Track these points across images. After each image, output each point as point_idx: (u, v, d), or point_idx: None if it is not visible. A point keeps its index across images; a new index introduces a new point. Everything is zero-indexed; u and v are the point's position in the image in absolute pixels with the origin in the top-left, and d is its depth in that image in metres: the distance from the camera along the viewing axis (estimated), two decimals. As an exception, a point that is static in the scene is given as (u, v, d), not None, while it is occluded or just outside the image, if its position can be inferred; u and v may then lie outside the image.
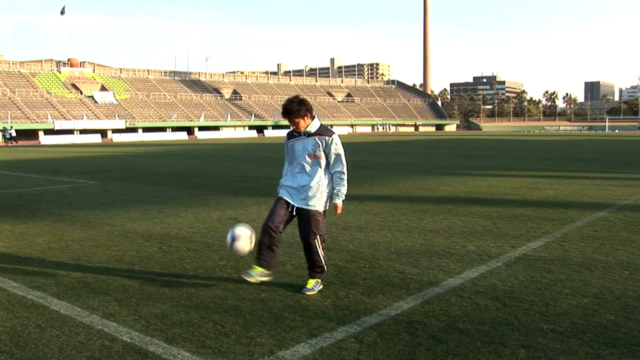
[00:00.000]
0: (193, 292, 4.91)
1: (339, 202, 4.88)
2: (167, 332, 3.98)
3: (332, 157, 4.85)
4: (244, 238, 4.81)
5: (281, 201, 4.89)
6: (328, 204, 4.95)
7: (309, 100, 4.92)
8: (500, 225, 7.94)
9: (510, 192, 11.82)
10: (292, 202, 4.86)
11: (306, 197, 4.83)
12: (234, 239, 4.80)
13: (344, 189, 4.90)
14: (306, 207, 4.83)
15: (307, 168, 4.85)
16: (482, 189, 12.44)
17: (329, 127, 5.03)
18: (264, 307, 4.48)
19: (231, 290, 4.94)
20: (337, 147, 4.84)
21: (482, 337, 3.81)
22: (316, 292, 4.83)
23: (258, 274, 4.85)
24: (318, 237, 4.87)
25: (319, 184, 4.84)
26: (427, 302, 4.58)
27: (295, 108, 4.71)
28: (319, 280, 4.96)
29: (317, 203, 4.83)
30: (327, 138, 4.82)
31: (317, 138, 4.82)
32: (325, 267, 4.99)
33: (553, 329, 3.94)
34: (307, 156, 4.83)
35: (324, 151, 4.83)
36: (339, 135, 5.03)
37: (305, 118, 4.77)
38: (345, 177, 4.90)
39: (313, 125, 4.83)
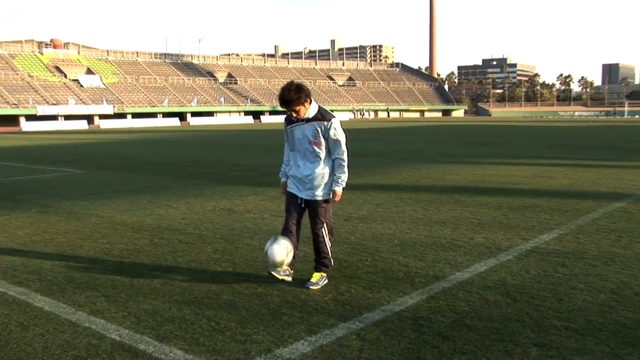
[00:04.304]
0: (186, 287, 4.91)
1: (338, 189, 4.93)
2: (158, 329, 3.98)
3: (332, 142, 4.87)
4: (282, 247, 4.69)
5: (291, 197, 5.00)
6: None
7: (305, 84, 4.91)
8: (510, 216, 7.94)
9: (521, 181, 11.81)
10: (299, 195, 4.95)
11: (312, 187, 4.90)
12: (275, 240, 4.72)
13: (344, 176, 4.95)
14: (313, 198, 4.89)
15: (309, 156, 4.89)
16: (491, 178, 12.44)
17: (329, 111, 5.02)
18: (261, 303, 4.49)
19: (226, 285, 4.94)
20: (336, 132, 4.85)
21: (491, 335, 3.82)
22: (320, 287, 4.85)
23: (283, 271, 4.87)
24: (325, 225, 4.95)
25: (323, 171, 4.89)
26: (433, 297, 4.58)
27: (294, 97, 4.71)
28: (325, 275, 4.99)
29: (323, 192, 4.91)
30: (325, 123, 4.83)
31: (315, 124, 4.82)
32: (331, 260, 5.05)
33: (567, 327, 3.94)
34: (308, 143, 4.86)
35: (323, 137, 4.85)
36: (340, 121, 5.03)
37: (306, 104, 4.79)
38: (345, 163, 4.94)
39: (311, 110, 4.84)
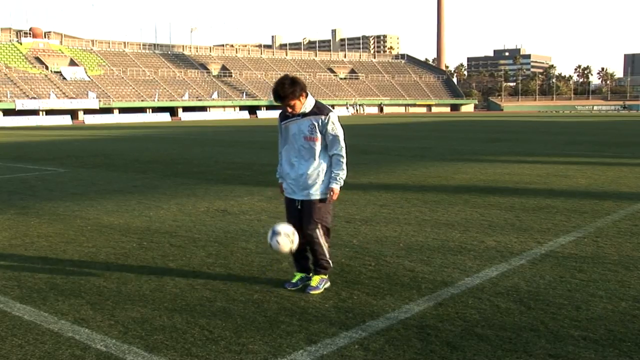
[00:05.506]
0: (177, 294, 4.91)
1: (335, 186, 4.95)
2: (147, 338, 3.99)
3: (329, 137, 4.91)
4: (284, 235, 4.79)
5: (290, 202, 5.08)
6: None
7: (300, 77, 4.94)
8: (523, 218, 7.95)
9: (536, 180, 11.82)
10: (296, 198, 4.99)
11: (307, 187, 4.93)
12: (275, 233, 4.82)
13: (342, 173, 4.98)
14: (308, 198, 4.93)
15: (304, 153, 4.93)
16: (503, 177, 12.44)
17: (327, 105, 5.06)
18: (257, 310, 4.49)
19: (220, 291, 4.95)
20: (334, 127, 4.90)
21: (503, 345, 3.82)
22: (321, 290, 4.89)
23: (300, 281, 5.06)
24: (319, 226, 4.95)
25: (319, 169, 4.92)
26: (441, 304, 4.59)
27: (289, 91, 4.75)
28: (325, 277, 5.03)
29: (318, 190, 4.93)
30: (322, 117, 4.87)
31: (312, 118, 4.87)
32: (330, 262, 5.07)
33: (585, 337, 3.95)
34: (303, 139, 4.90)
35: (320, 132, 4.88)
36: (337, 115, 5.06)
37: (301, 98, 4.84)
38: (344, 160, 4.98)
39: (308, 104, 4.89)
